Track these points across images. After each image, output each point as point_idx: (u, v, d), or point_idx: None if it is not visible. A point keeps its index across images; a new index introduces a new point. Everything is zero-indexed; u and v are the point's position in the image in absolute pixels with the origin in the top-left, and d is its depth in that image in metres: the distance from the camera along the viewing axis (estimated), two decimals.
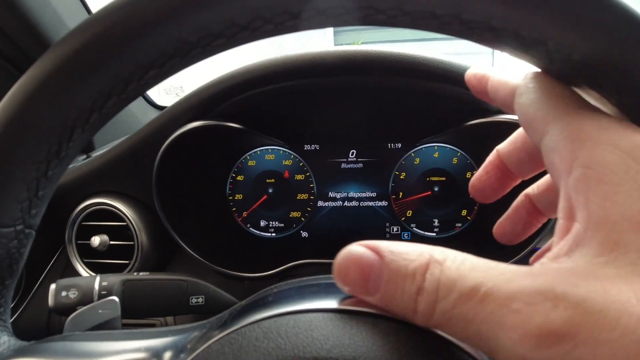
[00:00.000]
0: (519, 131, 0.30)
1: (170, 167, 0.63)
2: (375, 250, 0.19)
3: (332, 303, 0.25)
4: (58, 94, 0.25)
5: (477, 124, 0.59)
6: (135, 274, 0.48)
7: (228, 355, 0.23)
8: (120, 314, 0.40)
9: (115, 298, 0.39)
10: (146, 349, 0.29)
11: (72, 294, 0.45)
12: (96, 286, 0.46)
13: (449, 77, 0.55)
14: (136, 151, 0.65)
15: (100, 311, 0.39)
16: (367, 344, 0.22)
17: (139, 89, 0.28)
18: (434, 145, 0.70)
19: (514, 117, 0.57)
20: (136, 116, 0.93)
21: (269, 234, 0.74)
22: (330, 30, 4.01)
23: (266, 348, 0.22)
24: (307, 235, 0.74)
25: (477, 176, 0.34)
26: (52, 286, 0.46)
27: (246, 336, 0.24)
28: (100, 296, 0.46)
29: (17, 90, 0.26)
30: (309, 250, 0.72)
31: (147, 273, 0.49)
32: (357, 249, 0.20)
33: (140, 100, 0.97)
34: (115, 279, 0.46)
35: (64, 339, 0.32)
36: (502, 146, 0.32)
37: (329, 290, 0.27)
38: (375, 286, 0.19)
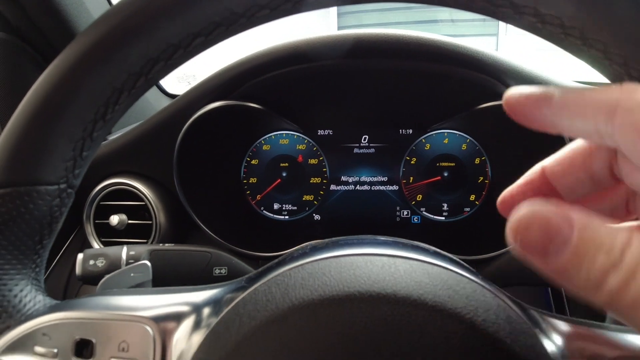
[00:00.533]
0: (575, 148, 0.26)
1: (191, 148, 0.65)
2: (565, 214, 0.17)
3: (370, 250, 0.27)
4: (111, 56, 0.27)
5: (488, 107, 0.60)
6: (160, 245, 0.50)
7: (276, 294, 0.25)
8: (151, 278, 0.41)
9: (147, 262, 0.41)
10: (186, 303, 0.30)
11: (100, 263, 0.47)
12: (124, 255, 0.47)
13: (459, 60, 0.57)
14: (156, 132, 0.66)
15: (132, 274, 0.41)
16: (405, 281, 0.24)
17: (186, 56, 0.29)
18: (444, 132, 0.72)
19: None
20: (150, 103, 0.95)
21: (282, 217, 0.76)
22: (333, 13, 4.02)
23: (312, 285, 0.24)
24: (319, 218, 0.75)
25: (510, 193, 0.30)
26: (80, 256, 0.48)
27: (292, 277, 0.25)
28: (128, 265, 0.47)
29: (70, 52, 0.27)
30: (321, 233, 0.74)
31: (173, 244, 0.50)
32: (545, 207, 0.18)
33: (153, 88, 0.98)
34: (142, 249, 0.48)
35: (100, 295, 0.33)
36: (550, 165, 0.28)
37: (362, 241, 0.29)
38: (557, 250, 0.17)
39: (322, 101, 0.69)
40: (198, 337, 0.27)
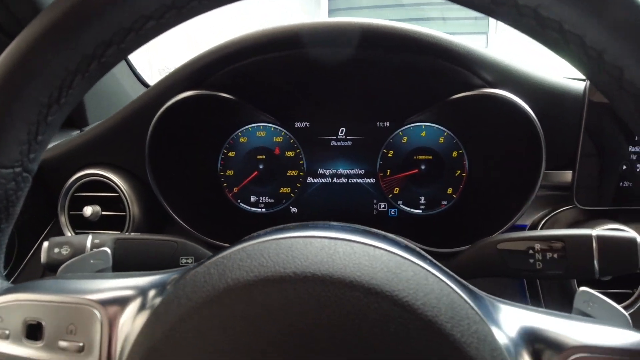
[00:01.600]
0: None
1: (163, 138, 0.64)
2: None
3: (309, 233, 0.27)
4: (64, 39, 0.27)
5: (462, 97, 0.60)
6: (127, 234, 0.49)
7: (214, 275, 0.25)
8: (111, 265, 0.41)
9: (107, 249, 0.41)
10: (133, 287, 0.30)
11: (65, 251, 0.46)
12: (88, 244, 0.47)
13: (432, 50, 0.57)
14: (129, 123, 0.66)
15: (91, 261, 0.41)
16: (343, 263, 0.24)
17: (138, 40, 0.29)
18: (422, 125, 0.72)
19: (499, 91, 0.59)
20: (130, 96, 0.94)
21: (259, 209, 0.76)
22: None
23: (249, 266, 0.24)
24: (296, 211, 0.75)
25: None
26: (45, 244, 0.48)
27: (230, 259, 0.25)
28: None
29: (24, 35, 0.27)
30: None
31: (139, 234, 0.50)
32: None
33: (134, 80, 0.98)
34: (107, 238, 0.47)
35: (54, 279, 0.33)
36: None
37: (305, 226, 0.29)
38: None
39: (297, 92, 0.69)
40: (142, 319, 0.27)
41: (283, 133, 0.74)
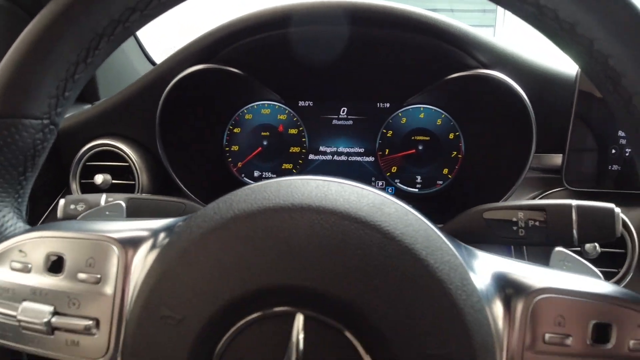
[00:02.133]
0: None
1: (173, 111, 0.68)
2: None
3: (307, 176, 0.30)
4: (96, 4, 0.31)
5: (457, 78, 0.63)
6: (138, 194, 0.53)
7: (222, 207, 0.28)
8: (124, 217, 0.44)
9: (122, 202, 0.44)
10: (147, 229, 0.34)
11: (80, 207, 0.50)
12: (102, 201, 0.50)
13: (430, 30, 0.60)
14: (140, 95, 0.69)
15: (107, 213, 0.44)
16: (334, 197, 0.27)
17: (160, 7, 0.33)
18: (420, 107, 0.75)
19: (493, 72, 0.62)
20: (139, 73, 0.97)
21: None
22: None
23: (253, 199, 0.28)
24: None
25: None
26: (62, 201, 0.51)
27: (237, 195, 0.29)
28: None
29: (59, 0, 0.31)
30: None
31: (149, 194, 0.53)
32: None
33: (143, 59, 1.01)
34: (120, 196, 0.51)
35: (74, 221, 0.37)
36: None
37: (303, 174, 0.32)
38: None
39: (302, 71, 0.72)
40: (152, 257, 0.31)
41: (287, 111, 0.77)
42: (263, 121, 0.77)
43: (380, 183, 0.77)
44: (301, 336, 0.25)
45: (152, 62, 1.06)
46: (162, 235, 0.33)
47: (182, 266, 0.27)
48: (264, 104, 0.77)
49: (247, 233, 0.26)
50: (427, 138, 0.76)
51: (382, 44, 0.64)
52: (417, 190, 0.77)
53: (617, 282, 0.64)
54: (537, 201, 0.49)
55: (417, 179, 0.76)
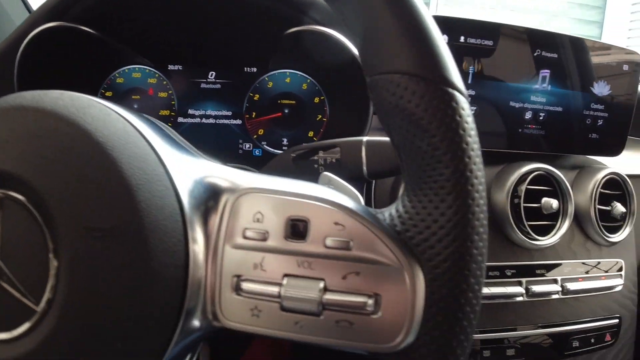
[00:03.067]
0: None
1: (33, 75, 0.68)
2: None
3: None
4: None
5: (295, 33, 0.65)
6: None
7: None
8: None
9: None
10: None
11: None
12: None
13: None
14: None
15: None
16: (48, 101, 0.29)
17: None
18: (286, 72, 0.77)
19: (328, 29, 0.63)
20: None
21: None
22: None
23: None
24: None
25: None
26: None
27: None
28: None
29: None
30: None
31: None
32: None
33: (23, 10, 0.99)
34: None
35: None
36: None
37: None
38: None
39: (169, 33, 0.73)
40: None
41: (157, 75, 0.78)
42: (134, 85, 0.78)
43: (247, 145, 0.79)
44: None
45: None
46: None
47: None
48: (135, 67, 0.78)
49: None
50: (293, 102, 0.78)
51: (230, 8, 0.66)
52: (283, 152, 0.78)
53: None
54: (334, 140, 0.52)
55: (283, 141, 0.78)
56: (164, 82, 0.78)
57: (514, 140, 0.73)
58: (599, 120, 0.78)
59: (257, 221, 0.32)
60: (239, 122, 0.78)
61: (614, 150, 0.81)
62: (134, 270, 0.28)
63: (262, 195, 0.33)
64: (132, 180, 0.29)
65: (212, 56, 0.76)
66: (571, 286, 0.72)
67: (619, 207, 0.77)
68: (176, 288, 0.30)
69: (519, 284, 0.70)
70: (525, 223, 0.69)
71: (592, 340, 0.75)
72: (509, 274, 0.69)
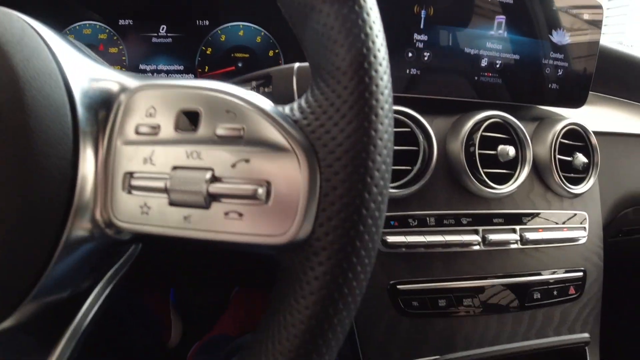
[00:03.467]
0: None
1: None
2: None
3: None
4: None
5: None
6: None
7: None
8: None
9: None
10: None
11: None
12: None
13: None
14: None
15: None
16: None
17: None
18: (240, 24, 0.76)
19: None
20: None
21: None
22: None
23: None
24: None
25: None
26: None
27: None
28: None
29: None
30: None
31: None
32: None
33: None
34: None
35: None
36: None
37: None
38: None
39: None
40: None
41: (107, 30, 0.76)
42: (84, 41, 0.76)
43: None
44: None
45: None
46: None
47: None
48: (86, 24, 0.76)
49: None
50: (247, 55, 0.76)
51: None
52: None
53: (410, 183, 0.65)
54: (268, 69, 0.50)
55: None
56: (115, 38, 0.76)
57: (470, 88, 0.72)
58: (559, 70, 0.76)
59: (150, 116, 0.31)
60: (191, 76, 0.77)
61: (576, 101, 0.80)
62: (13, 152, 0.27)
63: (155, 90, 0.32)
64: (20, 72, 0.28)
65: (163, 10, 0.75)
66: (530, 236, 0.71)
67: (581, 158, 0.75)
68: (62, 182, 0.29)
69: (475, 232, 0.68)
70: (481, 171, 0.67)
71: (555, 293, 0.74)
72: (464, 222, 0.68)
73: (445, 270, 0.67)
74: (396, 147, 0.64)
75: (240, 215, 0.28)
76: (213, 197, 0.29)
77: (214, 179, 0.29)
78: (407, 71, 0.68)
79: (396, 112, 0.65)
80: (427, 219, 0.67)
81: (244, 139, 0.29)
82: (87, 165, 0.30)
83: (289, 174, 0.28)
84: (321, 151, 0.28)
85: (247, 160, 0.29)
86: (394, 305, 0.65)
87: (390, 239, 0.64)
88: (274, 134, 0.28)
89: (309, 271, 0.27)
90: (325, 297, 0.27)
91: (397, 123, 0.66)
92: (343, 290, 0.27)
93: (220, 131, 0.29)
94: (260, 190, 0.28)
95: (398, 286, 0.65)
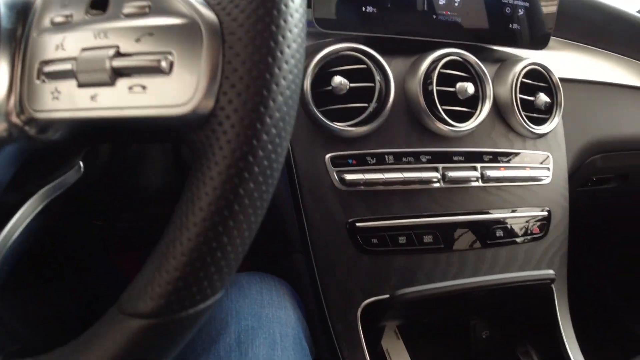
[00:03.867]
0: None
1: None
2: None
3: None
4: None
5: None
6: None
7: None
8: None
9: None
10: None
11: None
12: None
13: None
14: None
15: None
16: None
17: None
18: None
19: None
20: None
21: None
22: None
23: None
24: None
25: None
26: None
27: None
28: None
29: None
30: None
31: None
32: None
33: None
34: None
35: None
36: None
37: None
38: None
39: None
40: None
41: None
42: None
43: None
44: None
45: None
46: None
47: None
48: None
49: None
50: None
51: None
52: None
53: (368, 120, 0.65)
54: None
55: None
56: None
57: (428, 27, 0.71)
58: (520, 10, 0.76)
59: (64, 6, 0.30)
60: None
61: (538, 43, 0.79)
62: None
63: None
64: None
65: None
66: (491, 173, 0.71)
67: (543, 97, 0.75)
68: None
69: (435, 169, 0.68)
70: (440, 108, 0.67)
71: (518, 231, 0.74)
72: (424, 159, 0.68)
73: (404, 207, 0.67)
74: (352, 84, 0.64)
75: (144, 88, 0.28)
76: (118, 73, 0.28)
77: (119, 54, 0.28)
78: (363, 8, 0.67)
79: (352, 49, 0.65)
80: (386, 156, 0.66)
81: (150, 14, 0.28)
82: (1, 63, 0.30)
83: (191, 43, 0.27)
84: (224, 20, 0.27)
85: (150, 34, 0.28)
86: (353, 243, 0.65)
87: (348, 176, 0.64)
88: (181, 8, 0.28)
89: (214, 142, 0.27)
90: (229, 166, 0.27)
91: (354, 60, 0.65)
92: (248, 159, 0.27)
93: (127, 9, 0.29)
94: (164, 63, 0.27)
95: (357, 224, 0.65)
